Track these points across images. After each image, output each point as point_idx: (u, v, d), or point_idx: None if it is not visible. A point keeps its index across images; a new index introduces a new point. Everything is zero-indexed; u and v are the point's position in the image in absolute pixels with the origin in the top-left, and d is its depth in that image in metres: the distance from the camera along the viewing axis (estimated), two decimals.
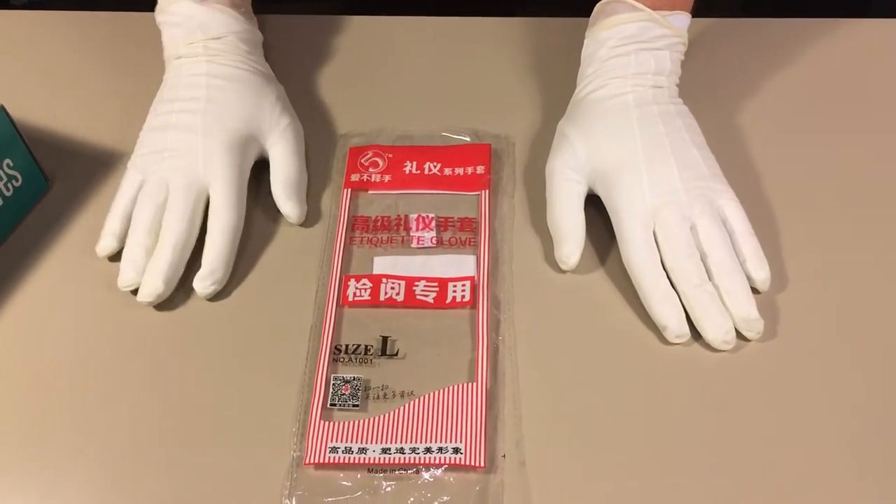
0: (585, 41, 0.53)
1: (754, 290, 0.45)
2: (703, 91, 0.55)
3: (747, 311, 0.43)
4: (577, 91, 0.53)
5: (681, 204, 0.46)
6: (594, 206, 0.49)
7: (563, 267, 0.47)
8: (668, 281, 0.45)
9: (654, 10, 0.49)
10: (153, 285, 0.45)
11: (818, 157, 0.54)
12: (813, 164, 0.53)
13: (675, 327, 0.43)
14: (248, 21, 0.55)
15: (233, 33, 0.53)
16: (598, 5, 0.52)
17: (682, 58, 0.52)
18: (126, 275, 0.46)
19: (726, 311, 0.43)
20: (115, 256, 0.48)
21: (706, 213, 0.46)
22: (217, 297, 0.47)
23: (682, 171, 0.47)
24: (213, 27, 0.52)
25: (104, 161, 0.54)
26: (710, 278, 0.44)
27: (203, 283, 0.46)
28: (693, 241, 0.45)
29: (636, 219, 0.46)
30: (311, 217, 0.51)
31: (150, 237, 0.47)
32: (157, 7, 0.54)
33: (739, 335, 0.44)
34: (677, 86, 0.52)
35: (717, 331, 0.43)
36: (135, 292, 0.46)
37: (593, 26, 0.52)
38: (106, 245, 0.48)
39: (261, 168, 0.52)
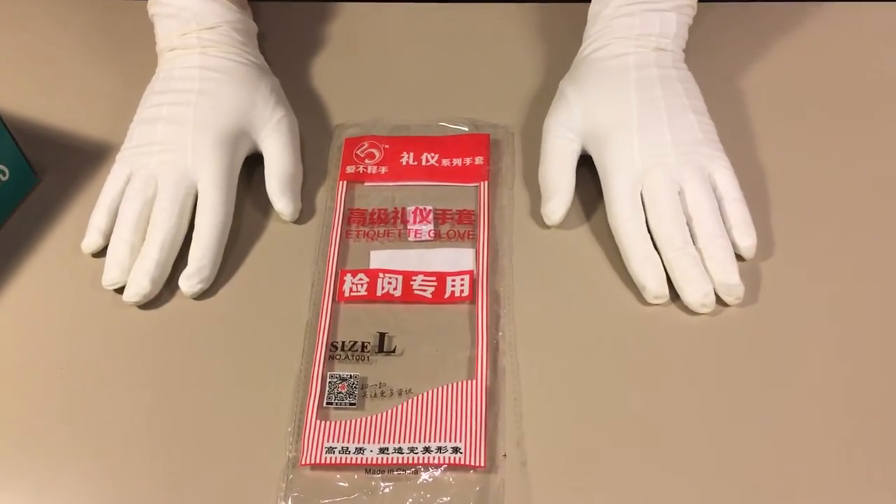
0: (592, 0, 0.52)
1: (739, 258, 0.45)
2: (709, 57, 0.55)
3: (728, 277, 0.43)
4: (580, 49, 0.53)
5: (670, 167, 0.46)
6: (601, 195, 0.48)
7: (548, 222, 0.47)
8: (650, 242, 0.44)
9: None
10: (140, 285, 0.44)
11: (818, 131, 0.52)
12: (813, 137, 0.52)
13: (653, 288, 0.43)
14: (242, 11, 0.54)
15: (227, 23, 0.52)
16: None
17: (690, 22, 0.51)
18: (110, 273, 0.45)
19: (707, 275, 0.43)
20: (102, 252, 0.47)
21: (695, 177, 0.45)
22: (209, 293, 0.46)
23: (675, 135, 0.47)
24: (208, 17, 0.51)
25: (94, 154, 0.53)
26: (694, 242, 0.44)
27: (189, 281, 0.45)
28: (679, 205, 0.45)
29: (624, 179, 0.46)
30: (305, 210, 0.50)
31: (136, 234, 0.46)
32: None
33: (720, 301, 0.44)
34: (683, 50, 0.51)
35: (695, 293, 0.43)
36: (121, 290, 0.45)
37: None
38: (91, 242, 0.46)
39: (254, 160, 0.51)
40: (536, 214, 0.49)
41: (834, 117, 0.53)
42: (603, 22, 0.51)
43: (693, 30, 0.52)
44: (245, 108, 0.50)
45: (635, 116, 0.47)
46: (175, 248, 0.46)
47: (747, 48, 0.58)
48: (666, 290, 0.43)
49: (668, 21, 0.50)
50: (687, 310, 0.44)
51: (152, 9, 0.52)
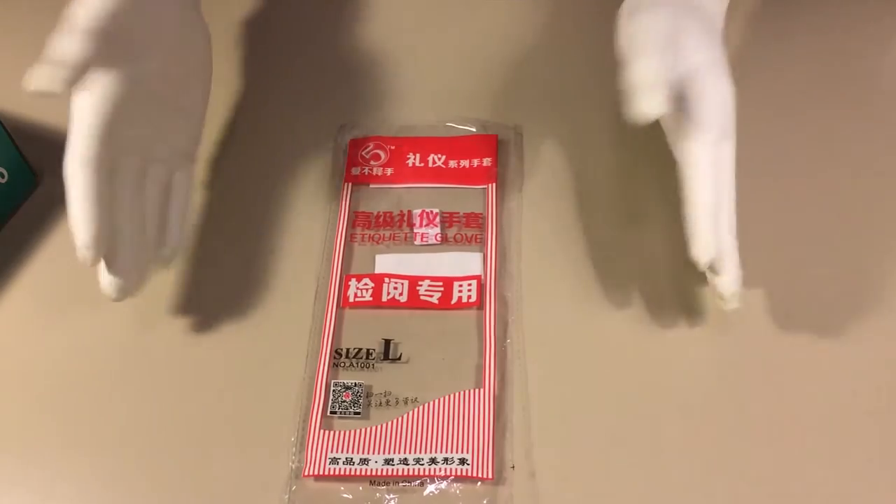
0: None
1: None
2: None
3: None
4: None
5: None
6: (611, 200, 0.47)
7: (644, 111, 0.37)
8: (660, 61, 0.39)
9: None
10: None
11: (810, 130, 0.51)
12: (805, 136, 0.51)
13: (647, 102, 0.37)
14: None
15: None
16: None
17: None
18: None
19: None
20: None
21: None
22: (212, 298, 0.45)
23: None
24: None
25: None
26: None
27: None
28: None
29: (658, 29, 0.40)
30: (309, 213, 0.49)
31: None
32: None
33: None
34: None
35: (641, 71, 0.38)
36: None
37: None
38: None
39: (259, 164, 0.50)
40: (546, 217, 0.47)
41: (826, 118, 0.52)
42: None
43: None
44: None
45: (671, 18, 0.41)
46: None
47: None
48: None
49: None
50: (708, 312, 0.43)
51: None
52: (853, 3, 0.58)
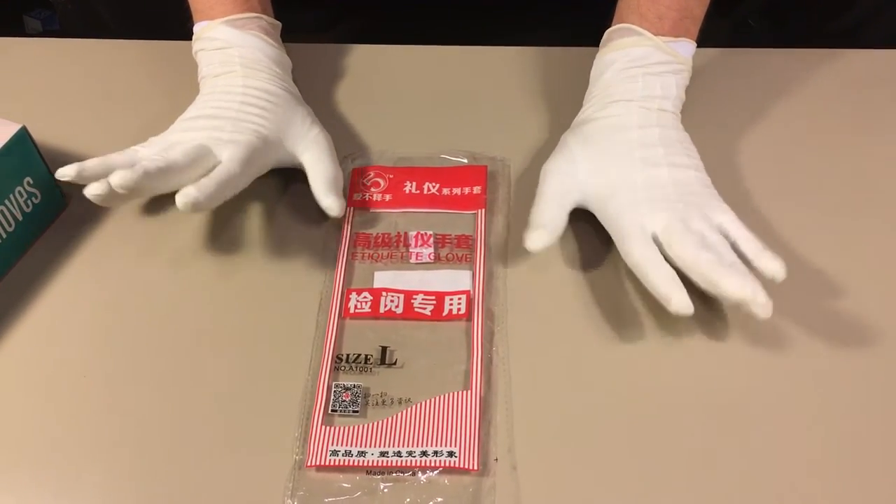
0: (595, 62, 0.55)
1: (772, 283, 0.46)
2: (701, 118, 0.57)
3: (767, 260, 0.44)
4: (583, 109, 0.55)
5: (678, 211, 0.47)
6: (588, 221, 0.52)
7: (528, 247, 0.47)
8: (668, 265, 0.45)
9: (657, 36, 0.51)
10: (134, 169, 0.45)
11: (813, 182, 0.56)
12: (808, 187, 0.55)
13: (678, 298, 0.43)
14: (279, 47, 0.58)
15: (267, 57, 0.56)
16: (607, 32, 0.54)
17: (687, 83, 0.54)
18: (94, 188, 0.46)
19: (744, 271, 0.44)
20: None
21: (704, 220, 0.47)
22: (226, 306, 0.49)
23: (677, 188, 0.48)
24: (250, 51, 0.55)
25: None
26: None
27: (186, 190, 0.45)
28: (694, 232, 0.46)
29: (634, 223, 0.47)
30: (314, 233, 0.53)
31: (151, 153, 0.49)
32: (195, 35, 0.57)
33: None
34: (679, 112, 0.54)
35: (734, 284, 0.43)
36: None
37: (602, 48, 0.55)
38: (66, 170, 0.47)
39: (275, 183, 0.54)
40: None
41: (821, 169, 0.56)
42: (604, 84, 0.53)
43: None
44: (283, 122, 0.53)
45: (639, 174, 0.49)
46: (172, 172, 0.48)
47: (741, 97, 0.62)
48: (690, 302, 0.43)
49: (669, 85, 0.52)
50: (671, 325, 0.47)
51: (198, 45, 0.57)
52: None
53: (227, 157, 0.49)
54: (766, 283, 0.44)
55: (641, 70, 0.52)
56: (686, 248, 0.45)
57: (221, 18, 0.55)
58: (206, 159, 0.49)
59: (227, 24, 0.55)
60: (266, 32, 0.57)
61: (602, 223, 0.50)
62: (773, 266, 0.45)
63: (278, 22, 0.59)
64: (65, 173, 0.47)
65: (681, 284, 0.44)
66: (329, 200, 0.51)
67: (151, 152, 0.50)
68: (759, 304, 0.42)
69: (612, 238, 0.49)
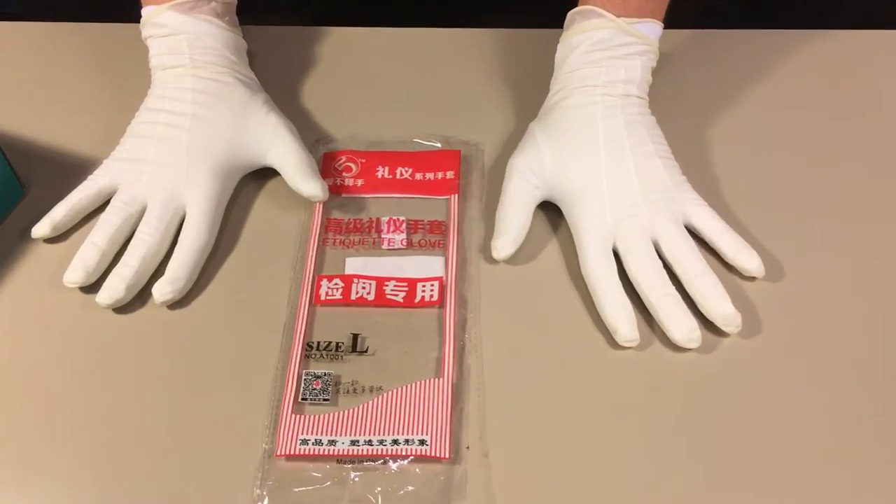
0: (558, 46, 0.55)
1: (751, 279, 0.48)
2: (669, 101, 0.58)
3: (723, 308, 0.45)
4: (549, 95, 0.55)
5: (641, 217, 0.48)
6: (557, 210, 0.51)
7: (495, 256, 0.49)
8: (622, 291, 0.46)
9: (620, 17, 0.51)
10: (115, 289, 0.46)
11: (785, 164, 0.56)
12: (777, 167, 0.55)
13: (625, 332, 0.45)
14: (232, 29, 0.56)
15: (218, 43, 0.54)
16: (570, 13, 0.53)
17: (654, 65, 0.53)
18: (75, 273, 0.47)
19: (690, 312, 0.45)
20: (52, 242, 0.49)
21: (667, 223, 0.48)
22: (194, 294, 0.48)
23: (643, 185, 0.49)
24: (199, 37, 0.53)
25: (81, 169, 0.54)
26: (680, 285, 0.46)
27: (162, 289, 0.46)
28: (654, 252, 0.47)
29: (596, 234, 0.48)
30: (285, 219, 0.52)
31: (110, 245, 0.48)
32: (142, 20, 0.55)
33: (720, 332, 0.46)
34: (647, 95, 0.53)
35: (681, 329, 0.44)
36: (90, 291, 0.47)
37: (566, 31, 0.54)
38: (40, 229, 0.49)
39: (245, 177, 0.54)
40: None
41: (794, 153, 0.56)
42: (568, 69, 0.53)
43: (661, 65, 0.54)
44: (238, 130, 0.52)
45: (604, 171, 0.49)
46: (154, 263, 0.48)
47: (711, 81, 0.62)
48: (637, 334, 0.45)
49: (633, 68, 0.51)
50: (645, 311, 0.47)
51: (146, 30, 0.55)
52: None
53: (194, 225, 0.49)
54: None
55: (605, 53, 0.51)
56: (629, 266, 0.47)
57: (169, 3, 0.53)
58: (173, 224, 0.49)
59: (175, 9, 0.53)
60: (217, 14, 0.55)
61: (567, 220, 0.51)
62: (750, 265, 0.47)
63: (232, 0, 0.57)
64: (41, 231, 0.49)
65: (631, 314, 0.45)
66: (310, 186, 0.50)
67: (113, 207, 0.49)
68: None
69: (574, 240, 0.49)
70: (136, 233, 0.48)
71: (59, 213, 0.49)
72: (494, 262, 0.50)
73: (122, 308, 0.47)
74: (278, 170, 0.52)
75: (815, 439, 0.42)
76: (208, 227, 0.49)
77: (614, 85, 0.51)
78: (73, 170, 0.55)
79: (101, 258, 0.47)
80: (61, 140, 0.57)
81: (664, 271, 0.47)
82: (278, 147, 0.53)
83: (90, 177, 0.50)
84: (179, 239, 0.49)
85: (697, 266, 0.47)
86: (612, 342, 0.46)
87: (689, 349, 0.45)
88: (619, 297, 0.46)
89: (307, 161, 0.52)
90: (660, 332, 0.46)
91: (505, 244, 0.48)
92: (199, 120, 0.52)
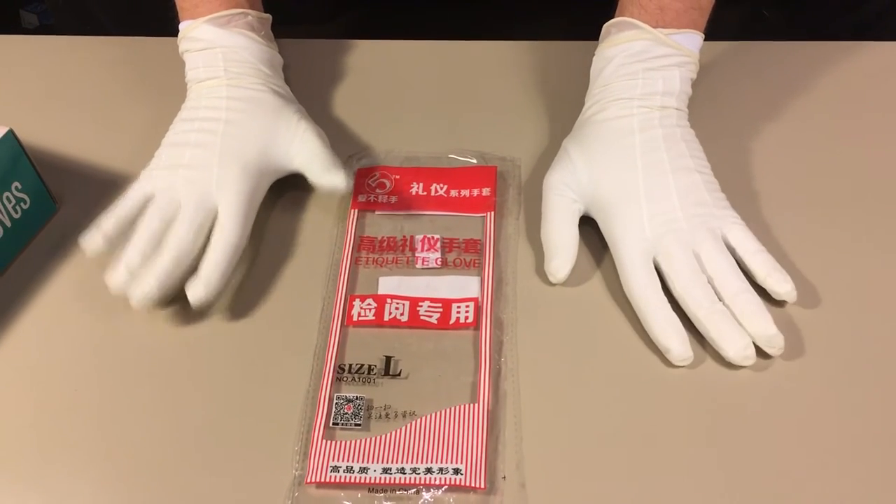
0: (594, 59, 0.53)
1: (782, 304, 0.46)
2: (709, 114, 0.56)
3: (766, 328, 0.43)
4: (584, 109, 0.53)
5: (682, 232, 0.46)
6: (594, 226, 0.50)
7: (552, 280, 0.48)
8: (669, 306, 0.45)
9: (657, 28, 0.49)
10: (148, 285, 0.45)
11: (825, 179, 0.54)
12: (820, 184, 0.53)
13: (678, 350, 0.43)
14: (268, 44, 0.56)
15: (254, 57, 0.54)
16: (605, 25, 0.52)
17: (693, 77, 0.51)
18: (118, 276, 0.46)
19: (741, 327, 0.43)
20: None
21: (708, 239, 0.46)
22: (223, 314, 0.47)
23: (682, 199, 0.47)
24: (235, 51, 0.53)
25: (112, 184, 0.54)
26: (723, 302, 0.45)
27: (195, 288, 0.45)
28: (698, 268, 0.45)
29: (635, 248, 0.46)
30: (317, 237, 0.51)
31: (151, 247, 0.47)
32: (180, 34, 0.55)
33: (762, 353, 0.44)
34: (686, 107, 0.52)
35: (735, 347, 0.43)
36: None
37: (601, 43, 0.53)
38: (92, 241, 0.47)
39: (274, 185, 0.53)
40: (540, 245, 0.50)
41: (834, 166, 0.54)
42: (604, 82, 0.51)
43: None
44: (269, 139, 0.52)
45: (642, 184, 0.48)
46: (185, 263, 0.47)
47: (753, 93, 0.60)
48: (690, 352, 0.43)
49: (671, 78, 0.50)
50: (688, 337, 0.45)
51: (183, 45, 0.55)
52: None
53: (225, 224, 0.48)
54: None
55: (641, 66, 0.50)
56: (673, 281, 0.45)
57: (205, 17, 0.53)
58: (205, 225, 0.48)
59: (211, 23, 0.53)
60: (253, 29, 0.55)
61: (604, 234, 0.49)
62: (782, 289, 0.45)
63: (267, 15, 0.57)
64: (94, 246, 0.47)
65: (681, 329, 0.44)
66: (331, 176, 0.50)
67: (151, 212, 0.48)
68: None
69: (612, 255, 0.48)
70: (169, 234, 0.47)
71: (109, 224, 0.47)
72: (531, 281, 0.48)
73: (154, 329, 0.47)
74: (304, 173, 0.52)
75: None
76: (240, 227, 0.48)
77: (651, 97, 0.50)
78: (105, 185, 0.54)
79: (142, 260, 0.46)
80: (94, 155, 0.57)
81: (710, 287, 0.45)
82: (305, 151, 0.52)
83: (132, 187, 0.50)
84: (211, 240, 0.48)
85: (739, 284, 0.45)
86: (661, 364, 0.44)
87: (743, 367, 0.43)
88: (665, 312, 0.44)
89: (331, 156, 0.52)
90: (714, 357, 0.44)
91: (560, 265, 0.47)
92: (232, 124, 0.51)
